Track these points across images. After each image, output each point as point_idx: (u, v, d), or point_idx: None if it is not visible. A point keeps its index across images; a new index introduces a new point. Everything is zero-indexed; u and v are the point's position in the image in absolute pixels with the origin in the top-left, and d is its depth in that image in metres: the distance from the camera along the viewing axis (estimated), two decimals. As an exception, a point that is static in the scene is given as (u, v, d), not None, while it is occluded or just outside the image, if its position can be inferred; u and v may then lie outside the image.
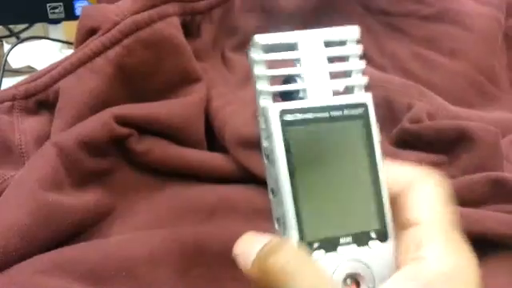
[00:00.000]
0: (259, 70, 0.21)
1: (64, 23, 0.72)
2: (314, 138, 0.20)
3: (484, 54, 0.54)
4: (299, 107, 0.20)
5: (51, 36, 0.75)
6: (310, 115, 0.20)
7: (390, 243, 0.21)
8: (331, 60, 0.22)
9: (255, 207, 0.41)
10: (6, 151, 0.41)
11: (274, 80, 0.21)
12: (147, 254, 0.34)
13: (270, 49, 0.21)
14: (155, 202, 0.41)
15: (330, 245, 0.20)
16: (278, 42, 0.21)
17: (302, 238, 0.20)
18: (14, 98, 0.44)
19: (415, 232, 0.21)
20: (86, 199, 0.38)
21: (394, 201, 0.22)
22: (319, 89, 0.21)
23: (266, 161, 0.21)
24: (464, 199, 0.37)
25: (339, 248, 0.20)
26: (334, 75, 0.21)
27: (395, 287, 0.20)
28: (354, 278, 0.20)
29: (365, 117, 0.21)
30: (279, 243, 0.20)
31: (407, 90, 0.47)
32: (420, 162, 0.41)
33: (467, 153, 0.40)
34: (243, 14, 0.55)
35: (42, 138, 0.41)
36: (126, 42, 0.42)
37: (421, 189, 0.22)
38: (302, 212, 0.19)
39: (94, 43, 0.42)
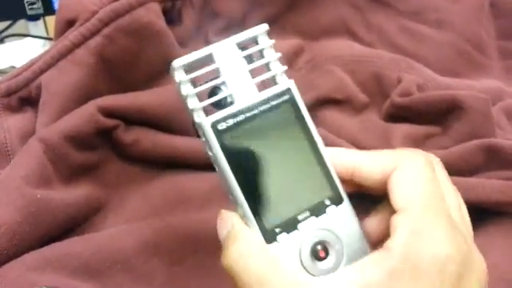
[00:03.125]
0: (186, 90, 0.22)
1: (45, 19, 0.71)
2: (250, 136, 0.22)
3: (470, 23, 0.53)
4: (229, 113, 0.22)
5: (32, 33, 0.74)
6: (241, 117, 0.22)
7: (345, 204, 0.22)
8: (251, 60, 0.23)
9: None
10: (-9, 150, 0.40)
11: (201, 95, 0.22)
12: (141, 245, 0.34)
13: (190, 68, 0.22)
14: (147, 193, 0.40)
15: (291, 225, 0.21)
16: (195, 59, 0.22)
17: (262, 228, 0.21)
18: (-4, 97, 0.43)
19: (394, 219, 0.21)
20: (77, 194, 0.37)
21: (385, 186, 0.22)
22: (244, 90, 0.22)
23: (215, 167, 0.23)
24: (458, 168, 0.37)
25: (299, 225, 0.21)
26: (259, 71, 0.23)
27: (361, 271, 0.20)
28: (322, 245, 0.21)
29: (291, 101, 0.22)
30: (235, 231, 0.22)
31: (396, 64, 0.47)
32: (412, 134, 0.40)
33: (459, 122, 0.39)
34: (225, -3, 0.54)
35: (27, 135, 0.40)
36: (106, 30, 0.41)
37: (403, 174, 0.22)
38: (257, 206, 0.21)
39: (73, 34, 0.41)
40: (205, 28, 0.53)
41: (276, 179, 0.22)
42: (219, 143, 0.21)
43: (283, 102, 0.22)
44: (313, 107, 0.45)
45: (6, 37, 0.65)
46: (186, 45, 0.49)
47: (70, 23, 0.43)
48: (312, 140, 0.22)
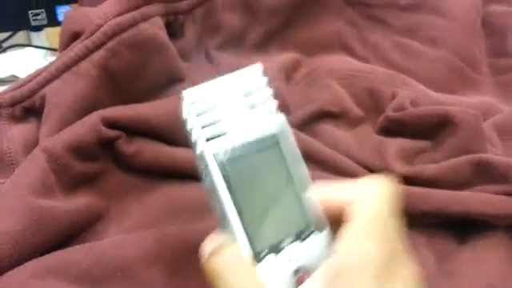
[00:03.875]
0: (192, 123, 0.25)
1: (47, 30, 0.72)
2: (245, 168, 0.24)
3: (463, 40, 0.55)
4: (229, 146, 0.24)
5: (34, 43, 0.75)
6: (239, 151, 0.24)
7: (325, 232, 0.25)
8: (249, 95, 0.26)
9: None
10: (-5, 159, 0.41)
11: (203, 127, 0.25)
12: (141, 254, 0.35)
13: (197, 101, 0.25)
14: (147, 203, 0.41)
15: (277, 248, 0.24)
16: (202, 94, 0.25)
17: (253, 250, 0.23)
18: (0, 106, 0.44)
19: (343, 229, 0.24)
20: (78, 203, 0.38)
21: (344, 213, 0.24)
22: (242, 125, 0.25)
23: (209, 194, 0.25)
24: (449, 182, 0.38)
25: (285, 249, 0.24)
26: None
27: (315, 277, 0.23)
28: (304, 270, 0.23)
29: (277, 137, 0.26)
30: (221, 246, 0.24)
31: (390, 80, 0.48)
32: (405, 148, 0.42)
33: (450, 137, 0.41)
34: (226, 11, 0.55)
35: (31, 145, 0.41)
36: (110, 44, 0.42)
37: (362, 198, 0.24)
38: (248, 230, 0.23)
39: (78, 47, 0.42)
40: (206, 42, 0.54)
41: (265, 206, 0.24)
42: (219, 170, 0.23)
43: (272, 136, 0.25)
44: (310, 120, 0.46)
45: (9, 47, 0.66)
46: (187, 58, 0.50)
47: (74, 36, 0.44)
48: (291, 178, 0.25)
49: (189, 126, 0.25)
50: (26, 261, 0.32)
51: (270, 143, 0.25)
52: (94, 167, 0.40)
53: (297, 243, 0.24)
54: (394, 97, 0.46)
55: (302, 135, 0.42)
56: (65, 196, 0.38)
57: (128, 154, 0.41)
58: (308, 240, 0.24)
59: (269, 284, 0.22)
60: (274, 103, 0.26)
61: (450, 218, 0.37)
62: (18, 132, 0.43)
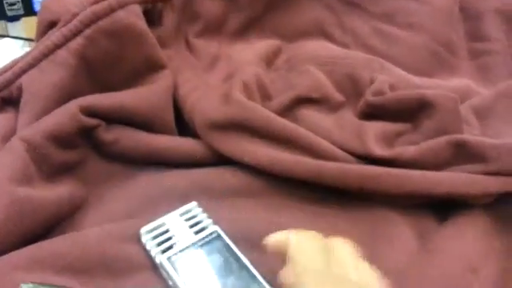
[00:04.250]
0: (149, 245, 0.35)
1: (24, 20, 0.71)
2: (195, 261, 0.34)
3: (441, 25, 0.56)
4: (178, 250, 0.34)
5: (11, 34, 0.73)
6: (186, 251, 0.35)
7: None
8: (190, 220, 0.37)
9: (229, 187, 0.41)
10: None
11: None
12: (126, 248, 0.35)
13: (152, 230, 0.36)
14: (127, 191, 0.41)
15: None
16: (155, 226, 0.36)
17: None
18: (-25, 98, 0.43)
19: None
20: (59, 192, 0.37)
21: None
22: (185, 237, 0.36)
23: None
24: (428, 163, 0.39)
25: None
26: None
27: None
28: None
29: (219, 236, 0.36)
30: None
31: (369, 65, 0.48)
32: (385, 131, 0.42)
33: (428, 119, 0.41)
34: (205, -1, 0.55)
35: (9, 135, 0.40)
36: (87, 32, 0.42)
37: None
38: None
39: (55, 35, 0.42)
40: (184, 29, 0.54)
41: (217, 284, 0.33)
42: (173, 270, 0.33)
43: (213, 238, 0.36)
44: (291, 106, 0.46)
45: (-16, 38, 0.64)
46: (166, 45, 0.50)
47: (51, 25, 0.44)
48: (237, 256, 0.34)
49: (147, 247, 0.35)
50: (8, 251, 0.32)
51: (215, 239, 0.35)
52: (73, 155, 0.40)
53: None
54: (372, 82, 0.46)
55: (284, 120, 0.42)
56: (45, 185, 0.37)
57: (107, 141, 0.41)
58: None
59: None
60: (210, 220, 0.37)
61: (431, 198, 0.38)
62: (-4, 122, 0.42)
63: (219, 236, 0.36)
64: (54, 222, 0.36)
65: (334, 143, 0.41)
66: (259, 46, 0.54)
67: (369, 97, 0.44)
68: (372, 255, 0.36)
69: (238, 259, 0.34)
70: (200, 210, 0.38)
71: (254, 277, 0.33)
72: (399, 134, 0.42)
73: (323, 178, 0.39)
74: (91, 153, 0.41)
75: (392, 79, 0.46)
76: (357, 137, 0.41)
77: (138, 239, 0.36)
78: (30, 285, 0.28)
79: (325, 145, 0.41)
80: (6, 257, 0.31)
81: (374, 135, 0.41)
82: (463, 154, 0.39)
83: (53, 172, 0.38)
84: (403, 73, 0.48)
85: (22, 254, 0.31)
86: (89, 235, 0.35)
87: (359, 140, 0.41)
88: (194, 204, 0.39)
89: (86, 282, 0.32)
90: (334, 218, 0.40)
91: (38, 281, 0.29)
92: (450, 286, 0.34)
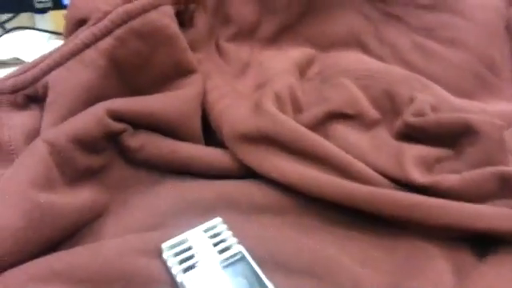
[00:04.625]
0: (171, 262, 0.33)
1: (52, 13, 0.70)
2: (218, 283, 0.32)
3: (484, 43, 0.53)
4: (200, 270, 0.33)
5: (38, 26, 0.72)
6: (209, 272, 0.33)
7: None
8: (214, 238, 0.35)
9: (256, 203, 0.40)
10: (-6, 148, 0.39)
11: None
12: (146, 263, 0.33)
13: (174, 246, 0.34)
14: (150, 200, 0.39)
15: None
16: (176, 242, 0.35)
17: None
18: (1, 93, 0.42)
19: None
20: (82, 198, 0.36)
21: None
22: (209, 256, 0.34)
23: None
24: (469, 194, 0.37)
25: None
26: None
27: None
28: None
29: (243, 257, 0.34)
30: None
31: (408, 82, 0.46)
32: (425, 156, 0.40)
33: (472, 147, 0.39)
34: (238, 2, 0.53)
35: (32, 135, 0.39)
36: (117, 32, 0.40)
37: None
38: None
39: (84, 34, 0.40)
40: (216, 33, 0.52)
41: None
42: None
43: (237, 259, 0.34)
44: (323, 120, 0.44)
45: (12, 29, 0.63)
46: (197, 49, 0.48)
47: (80, 23, 0.42)
48: (262, 281, 0.32)
49: (169, 264, 0.33)
50: (27, 260, 0.30)
51: (239, 260, 0.34)
52: (98, 160, 0.39)
53: None
54: (412, 100, 0.44)
55: (316, 136, 0.40)
56: (67, 190, 0.36)
57: (132, 148, 0.40)
58: None
59: None
60: (235, 240, 0.35)
61: (471, 232, 0.35)
62: (20, 120, 0.41)
63: (244, 257, 0.34)
64: (75, 229, 0.35)
65: (368, 164, 0.39)
66: (292, 53, 0.52)
67: (408, 117, 0.42)
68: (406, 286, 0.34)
69: (262, 285, 0.32)
70: (225, 226, 0.36)
71: None
72: (439, 160, 0.39)
73: (355, 202, 0.37)
74: (116, 158, 0.40)
75: (433, 99, 0.43)
76: (394, 159, 0.39)
77: (159, 254, 0.34)
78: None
79: (358, 165, 0.39)
80: (23, 267, 0.30)
81: (412, 159, 0.38)
82: (508, 187, 0.36)
83: (76, 177, 0.37)
84: (444, 93, 0.45)
85: (40, 264, 0.30)
86: (109, 247, 0.33)
87: (397, 163, 0.39)
88: (218, 220, 0.37)
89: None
90: (365, 243, 0.37)
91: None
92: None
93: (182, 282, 0.32)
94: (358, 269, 0.35)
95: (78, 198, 0.36)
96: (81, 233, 0.36)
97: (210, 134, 0.45)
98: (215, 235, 0.36)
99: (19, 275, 0.29)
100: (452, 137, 0.40)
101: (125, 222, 0.37)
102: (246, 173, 0.42)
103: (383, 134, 0.43)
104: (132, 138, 0.40)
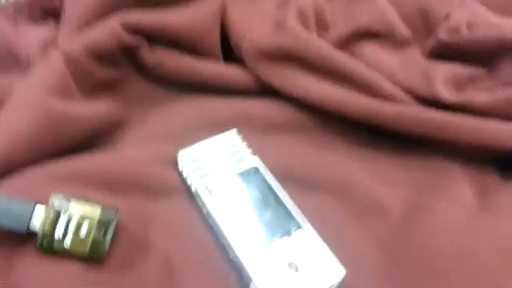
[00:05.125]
0: (187, 171, 0.33)
1: None
2: (232, 192, 0.32)
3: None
4: (215, 179, 0.33)
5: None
6: (223, 181, 0.33)
7: (307, 229, 0.30)
8: (230, 149, 0.35)
9: (273, 120, 0.39)
10: (13, 61, 0.39)
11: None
12: (162, 171, 0.33)
13: (189, 155, 0.34)
14: (168, 115, 0.39)
15: (266, 245, 0.29)
16: (193, 152, 0.34)
17: (245, 249, 0.29)
18: (19, 7, 0.41)
19: None
20: (98, 108, 0.36)
21: None
22: (224, 166, 0.34)
23: (210, 221, 0.32)
24: (501, 113, 0.34)
25: (273, 244, 0.29)
26: None
27: None
28: (293, 263, 0.29)
29: (259, 168, 0.34)
30: None
31: (446, -1, 0.42)
32: (456, 75, 0.37)
33: (507, 64, 0.36)
34: None
35: (49, 46, 0.39)
36: None
37: None
38: (240, 237, 0.30)
39: None
40: None
41: (252, 218, 0.31)
42: (208, 198, 0.31)
43: (252, 169, 0.33)
44: (350, 38, 0.42)
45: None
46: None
47: None
48: (276, 192, 0.32)
49: (184, 173, 0.33)
50: (44, 162, 0.31)
51: (253, 172, 0.33)
52: (114, 73, 0.38)
53: (284, 239, 0.30)
54: (448, 18, 0.40)
55: (341, 53, 0.38)
56: (84, 100, 0.36)
57: (150, 63, 0.39)
58: (294, 235, 0.30)
59: (262, 272, 0.28)
60: (250, 151, 0.35)
61: (499, 152, 0.33)
62: (37, 33, 0.40)
63: (259, 168, 0.33)
64: (92, 138, 0.35)
65: (396, 83, 0.37)
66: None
67: (442, 35, 0.39)
68: (426, 208, 0.33)
69: (276, 195, 0.32)
70: (240, 138, 0.36)
71: (291, 215, 0.31)
72: (472, 79, 0.37)
73: (379, 119, 0.35)
74: (133, 73, 0.39)
75: (470, 16, 0.40)
76: (424, 78, 0.37)
77: (175, 163, 0.34)
78: (61, 196, 0.27)
79: (386, 84, 0.37)
80: (39, 167, 0.30)
81: (442, 77, 0.36)
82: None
83: (92, 88, 0.37)
84: (484, 10, 0.42)
85: (57, 165, 0.30)
86: (128, 154, 0.34)
87: (425, 81, 0.37)
88: (234, 132, 0.36)
89: (121, 200, 0.31)
90: (384, 162, 0.36)
91: (70, 193, 0.28)
92: (509, 252, 0.30)
93: (196, 190, 0.32)
94: (377, 186, 0.34)
95: (94, 108, 0.36)
96: (102, 143, 0.36)
97: (229, 52, 0.43)
98: (230, 146, 0.35)
99: (35, 175, 0.29)
100: (487, 54, 0.37)
101: (143, 135, 0.37)
102: (266, 91, 0.41)
103: (413, 53, 0.40)
104: (149, 53, 0.39)
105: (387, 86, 0.36)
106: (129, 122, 0.38)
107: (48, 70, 0.35)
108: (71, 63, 0.35)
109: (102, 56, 0.37)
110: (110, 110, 0.36)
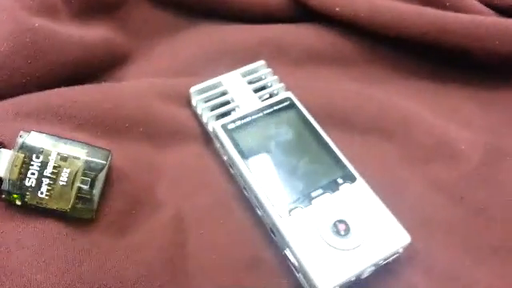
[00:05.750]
0: (200, 108, 0.26)
1: None
2: (258, 133, 0.25)
3: None
4: (236, 117, 0.26)
5: None
6: (247, 119, 0.25)
7: (359, 182, 0.23)
8: (254, 83, 0.28)
9: (311, 49, 0.32)
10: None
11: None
12: (171, 108, 0.27)
13: (203, 91, 0.27)
14: (180, 45, 0.32)
15: (305, 201, 0.23)
16: (207, 85, 0.27)
17: (278, 205, 0.22)
18: None
19: None
20: (93, 34, 0.29)
21: None
22: (248, 102, 0.27)
23: (231, 170, 0.25)
24: None
25: (314, 201, 0.23)
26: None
27: None
28: (342, 222, 0.22)
29: (293, 104, 0.26)
30: None
31: None
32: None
33: None
34: None
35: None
36: None
37: None
38: (271, 190, 0.23)
39: None
40: None
41: (289, 164, 0.24)
42: (232, 141, 0.24)
43: (285, 106, 0.26)
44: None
45: None
46: None
47: None
48: (316, 132, 0.25)
49: (198, 111, 0.27)
50: (17, 95, 0.24)
51: (287, 109, 0.26)
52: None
53: (327, 195, 0.23)
54: None
55: None
56: (74, 22, 0.29)
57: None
58: (338, 192, 0.23)
59: (300, 236, 0.21)
60: (282, 85, 0.28)
61: None
62: None
63: (293, 105, 0.26)
64: (86, 69, 0.28)
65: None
66: None
67: None
68: (507, 152, 0.26)
69: (316, 136, 0.25)
70: (269, 70, 0.29)
71: (336, 159, 0.24)
72: None
73: (449, 35, 0.27)
74: (135, -10, 0.32)
75: None
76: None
77: (187, 101, 0.27)
78: (34, 134, 0.20)
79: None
80: (12, 100, 0.23)
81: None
82: None
83: (85, 8, 0.30)
84: None
85: (31, 98, 0.24)
86: (127, 87, 0.27)
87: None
88: (261, 63, 0.29)
89: (117, 144, 0.24)
90: (453, 95, 0.29)
91: (46, 131, 0.21)
92: None
93: (214, 131, 0.25)
94: (445, 124, 0.26)
95: (88, 34, 0.29)
96: (99, 79, 0.29)
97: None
98: (257, 80, 0.28)
99: (3, 108, 0.22)
100: None
101: (150, 69, 0.30)
102: (300, 15, 0.33)
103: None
104: (156, -36, 0.31)
105: None
106: (135, 57, 0.31)
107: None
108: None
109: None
110: (109, 39, 0.30)
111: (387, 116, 0.27)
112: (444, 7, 0.28)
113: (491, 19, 0.27)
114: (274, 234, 0.22)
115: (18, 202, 0.19)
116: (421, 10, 0.28)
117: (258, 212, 0.23)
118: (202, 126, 0.27)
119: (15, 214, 0.20)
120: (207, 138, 0.27)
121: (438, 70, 0.30)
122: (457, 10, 0.28)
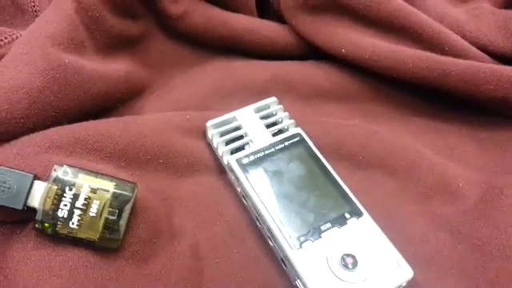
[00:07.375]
0: (216, 141, 0.28)
1: None
2: (270, 167, 0.27)
3: None
4: (250, 152, 0.27)
5: None
6: (260, 154, 0.27)
7: (365, 217, 0.25)
8: (266, 119, 0.30)
9: (319, 87, 0.33)
10: (17, 10, 0.34)
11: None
12: (187, 142, 0.28)
13: (219, 126, 0.29)
14: (196, 79, 0.34)
15: (315, 234, 0.24)
16: (222, 120, 0.29)
17: (289, 238, 0.24)
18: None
19: None
20: (115, 68, 0.31)
21: None
22: (261, 137, 0.28)
23: (245, 202, 0.27)
24: None
25: (323, 234, 0.24)
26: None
27: None
28: (350, 256, 0.23)
29: (302, 140, 0.28)
30: None
31: None
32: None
33: None
34: None
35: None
36: None
37: None
38: (282, 222, 0.24)
39: None
40: None
41: (299, 198, 0.25)
42: (244, 174, 0.26)
43: (295, 142, 0.28)
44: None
45: None
46: None
47: None
48: (325, 168, 0.27)
49: (214, 145, 0.28)
50: (48, 127, 0.26)
51: (297, 145, 0.28)
52: (133, 28, 0.33)
53: (335, 229, 0.24)
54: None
55: (400, 2, 0.32)
56: (99, 57, 0.31)
57: (174, 14, 0.33)
58: (347, 226, 0.24)
59: (311, 268, 0.22)
60: (292, 121, 0.29)
61: None
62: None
63: (302, 140, 0.28)
64: (108, 102, 0.30)
65: (465, 37, 0.31)
66: None
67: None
68: (505, 190, 0.27)
69: (325, 171, 0.26)
70: (280, 107, 0.30)
71: (344, 194, 0.25)
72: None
73: (448, 79, 0.29)
74: (155, 28, 0.34)
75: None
76: (499, 29, 0.30)
77: (203, 134, 0.29)
78: (66, 168, 0.22)
79: (452, 37, 0.31)
80: (42, 132, 0.25)
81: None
82: None
83: (108, 43, 0.32)
84: None
85: (62, 131, 0.25)
86: (146, 121, 0.28)
87: (503, 32, 0.30)
88: (273, 99, 0.31)
89: (139, 175, 0.26)
90: (453, 134, 0.30)
91: (76, 164, 0.23)
92: None
93: (229, 164, 0.27)
94: (445, 163, 0.28)
95: (111, 67, 0.30)
96: (119, 110, 0.31)
97: (265, 8, 0.37)
98: (269, 116, 0.30)
99: (35, 143, 0.24)
100: None
101: (167, 102, 0.32)
102: (308, 52, 0.35)
103: (484, 4, 0.33)
104: (173, 3, 0.33)
105: (454, 39, 0.30)
106: (152, 89, 0.33)
107: (55, 19, 0.29)
108: (82, 10, 0.30)
109: (117, 4, 0.31)
110: (129, 71, 0.31)
111: (391, 153, 0.29)
112: (443, 51, 0.30)
113: (487, 65, 0.29)
114: (285, 264, 0.24)
115: (50, 232, 0.21)
116: (421, 54, 0.30)
117: (270, 243, 0.25)
118: (217, 158, 0.28)
119: (46, 242, 0.21)
120: (221, 169, 0.28)
121: (440, 109, 0.32)
122: (455, 54, 0.30)
